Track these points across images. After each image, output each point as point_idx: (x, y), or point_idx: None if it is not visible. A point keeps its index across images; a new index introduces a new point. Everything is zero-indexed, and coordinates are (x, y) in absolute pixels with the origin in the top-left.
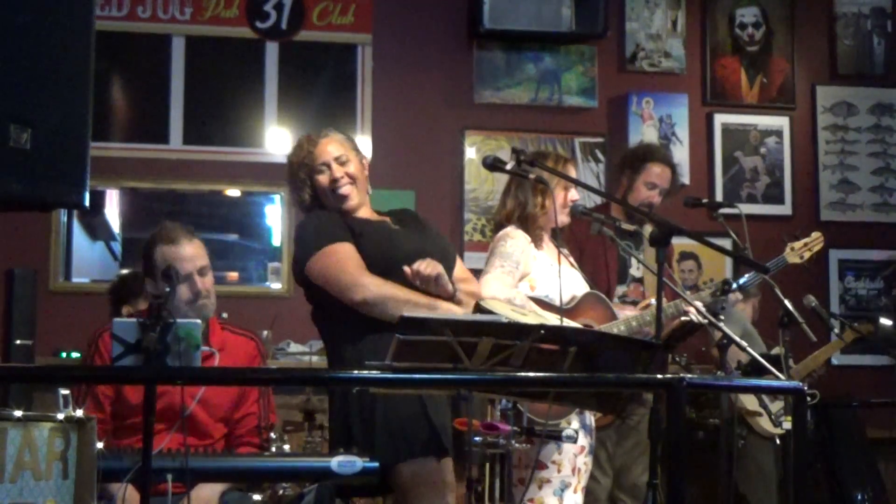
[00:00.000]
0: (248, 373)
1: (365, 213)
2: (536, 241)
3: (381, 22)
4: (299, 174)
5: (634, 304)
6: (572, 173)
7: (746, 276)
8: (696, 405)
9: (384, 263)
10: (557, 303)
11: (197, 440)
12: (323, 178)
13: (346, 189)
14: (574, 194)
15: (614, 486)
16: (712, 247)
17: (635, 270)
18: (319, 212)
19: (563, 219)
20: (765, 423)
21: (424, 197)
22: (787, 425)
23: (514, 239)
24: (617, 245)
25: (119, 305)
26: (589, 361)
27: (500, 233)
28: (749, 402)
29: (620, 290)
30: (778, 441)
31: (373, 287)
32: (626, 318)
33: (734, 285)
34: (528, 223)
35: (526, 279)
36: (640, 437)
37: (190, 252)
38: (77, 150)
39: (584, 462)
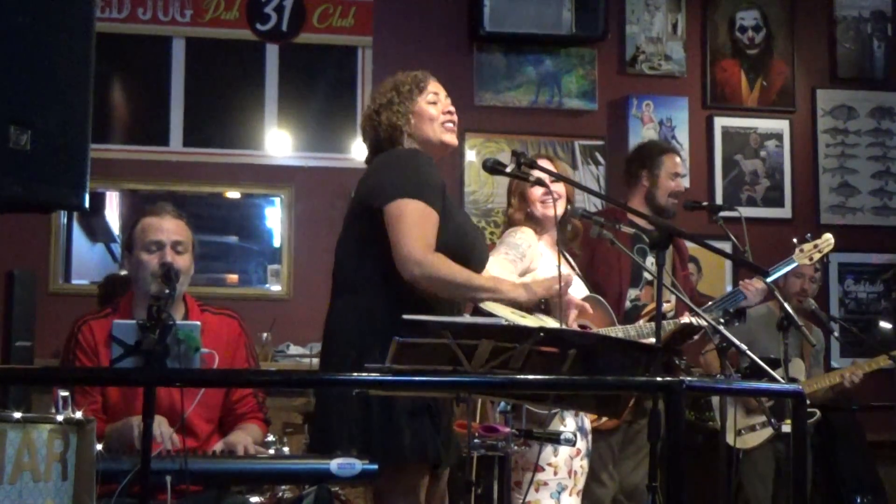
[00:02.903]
0: (248, 375)
1: None
2: (542, 240)
3: (382, 24)
4: (402, 88)
5: (645, 307)
6: (548, 167)
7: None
8: (695, 408)
9: (462, 259)
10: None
11: (191, 439)
12: (430, 106)
13: (452, 129)
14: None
15: (617, 489)
16: (712, 250)
17: (649, 274)
18: (426, 155)
19: (549, 212)
20: (727, 439)
21: None
22: (787, 428)
23: (524, 233)
24: (618, 248)
25: (103, 304)
26: (588, 364)
27: (511, 228)
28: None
29: (633, 293)
30: (742, 455)
31: (434, 267)
32: (624, 326)
33: (742, 319)
34: (525, 222)
35: (530, 275)
36: (644, 441)
37: (169, 226)
38: (77, 151)
39: (581, 465)
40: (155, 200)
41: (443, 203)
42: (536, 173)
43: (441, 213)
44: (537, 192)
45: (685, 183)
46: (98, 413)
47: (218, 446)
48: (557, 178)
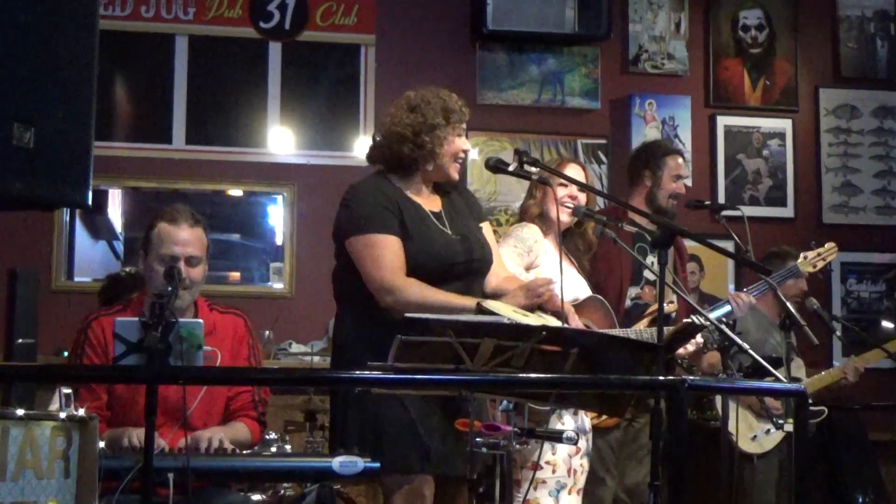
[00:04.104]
0: (250, 373)
1: (426, 196)
2: (546, 238)
3: (385, 23)
4: (429, 112)
5: (647, 307)
6: (575, 172)
7: (755, 286)
8: (697, 407)
9: (430, 272)
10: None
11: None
12: (461, 142)
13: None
14: (572, 191)
15: (618, 488)
16: (714, 249)
17: (650, 273)
18: (378, 183)
19: (563, 217)
20: (743, 444)
21: None
22: (789, 428)
23: (529, 229)
24: (621, 247)
25: (103, 304)
26: (591, 363)
27: (518, 223)
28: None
29: (633, 291)
30: (756, 460)
31: (405, 293)
32: (625, 330)
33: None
34: (526, 218)
35: (533, 271)
36: (645, 440)
37: (185, 236)
38: (80, 149)
39: (581, 464)
40: (157, 198)
41: (399, 221)
42: (540, 171)
43: (403, 235)
44: (560, 192)
45: (688, 182)
46: (101, 410)
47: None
48: (572, 182)
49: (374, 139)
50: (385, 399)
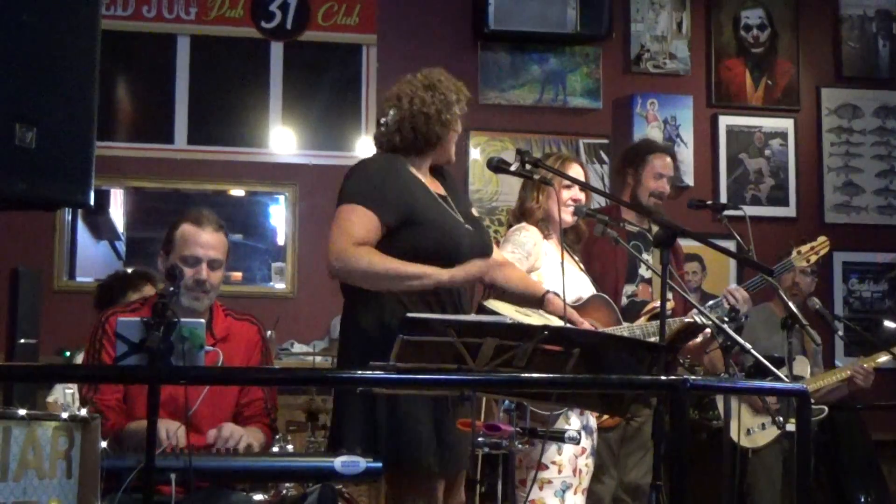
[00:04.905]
0: (252, 373)
1: (430, 179)
2: (547, 240)
3: (386, 22)
4: (445, 91)
5: (644, 304)
6: (577, 173)
7: (750, 282)
8: (699, 406)
9: (443, 258)
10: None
11: (200, 436)
12: (455, 134)
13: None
14: (575, 193)
15: (617, 486)
16: (716, 248)
17: (644, 271)
18: (391, 162)
19: (566, 218)
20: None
21: None
22: (791, 427)
23: (528, 232)
24: (623, 247)
25: (100, 306)
26: (593, 362)
27: (516, 226)
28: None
29: (629, 289)
30: (751, 454)
31: (352, 260)
32: (629, 325)
33: (742, 318)
34: (530, 220)
35: (535, 273)
36: (644, 438)
37: (209, 240)
38: (82, 149)
39: (586, 464)
40: (159, 198)
41: (409, 206)
42: (545, 173)
43: (406, 217)
44: (565, 194)
45: (690, 182)
46: (120, 403)
47: (212, 433)
48: (575, 183)
49: (384, 123)
50: (396, 398)
